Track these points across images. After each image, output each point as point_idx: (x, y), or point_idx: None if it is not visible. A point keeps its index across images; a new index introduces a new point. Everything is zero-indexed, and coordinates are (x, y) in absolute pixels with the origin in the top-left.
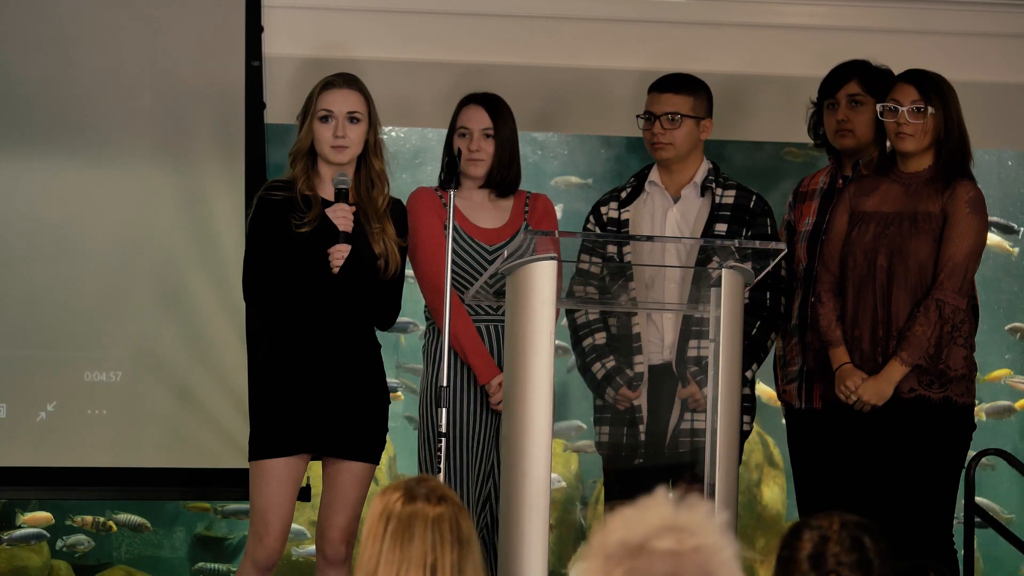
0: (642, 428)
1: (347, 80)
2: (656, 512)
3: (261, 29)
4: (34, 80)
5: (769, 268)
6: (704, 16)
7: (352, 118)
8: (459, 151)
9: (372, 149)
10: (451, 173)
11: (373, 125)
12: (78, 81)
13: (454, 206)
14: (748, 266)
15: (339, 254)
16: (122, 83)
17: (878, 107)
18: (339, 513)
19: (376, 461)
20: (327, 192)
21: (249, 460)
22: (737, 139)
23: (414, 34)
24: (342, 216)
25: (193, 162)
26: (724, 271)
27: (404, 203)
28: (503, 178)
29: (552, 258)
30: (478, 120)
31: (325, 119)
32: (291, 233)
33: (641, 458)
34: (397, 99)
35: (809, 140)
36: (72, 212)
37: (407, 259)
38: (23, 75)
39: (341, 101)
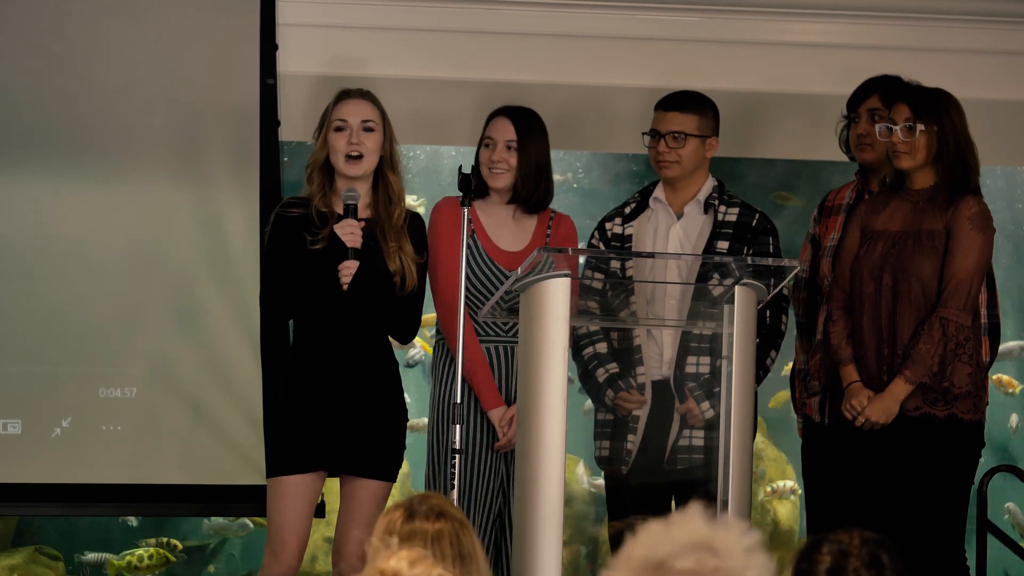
0: (632, 438)
1: (361, 92)
2: (685, 529)
3: (276, 47)
4: (50, 99)
5: (781, 286)
6: (718, 34)
7: (366, 127)
8: (472, 167)
9: (388, 162)
10: (464, 190)
11: (388, 138)
12: (93, 100)
13: (477, 220)
14: (761, 283)
15: (347, 270)
16: (137, 101)
17: (877, 128)
18: (355, 531)
19: (393, 479)
20: (342, 208)
21: (266, 477)
22: (751, 156)
23: (424, 52)
24: (349, 232)
25: (208, 179)
26: (737, 288)
27: (422, 217)
28: (528, 195)
29: (566, 275)
30: (503, 132)
31: (340, 129)
32: (306, 250)
33: (635, 469)
34: (407, 117)
35: (804, 161)
36: (87, 229)
37: (424, 276)
38: (39, 93)
39: (355, 111)
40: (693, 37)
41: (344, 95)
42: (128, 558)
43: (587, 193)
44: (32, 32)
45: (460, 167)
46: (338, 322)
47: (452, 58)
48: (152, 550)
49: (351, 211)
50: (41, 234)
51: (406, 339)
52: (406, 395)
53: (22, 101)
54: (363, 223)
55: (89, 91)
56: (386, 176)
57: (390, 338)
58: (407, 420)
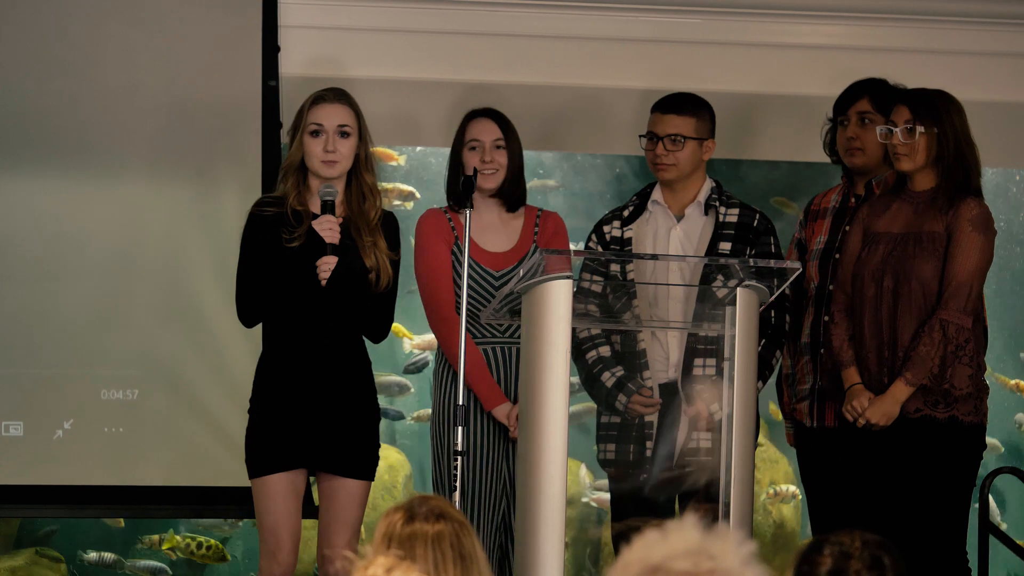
0: (649, 445)
1: (337, 95)
2: (681, 536)
3: (278, 49)
4: (52, 100)
5: (784, 288)
6: (716, 36)
7: (342, 132)
8: (476, 171)
9: (363, 163)
10: (467, 194)
11: (363, 139)
12: (95, 101)
13: (460, 225)
14: (762, 285)
15: (326, 266)
16: (139, 103)
17: (878, 129)
18: (339, 533)
19: (371, 478)
20: (317, 206)
21: (250, 478)
22: (750, 158)
23: (425, 54)
24: (328, 228)
25: (210, 181)
26: (739, 290)
27: (396, 217)
28: (514, 191)
29: (568, 277)
30: (489, 132)
31: (315, 133)
32: (281, 248)
33: (647, 474)
34: (407, 118)
35: (806, 163)
36: (88, 230)
37: (398, 274)
38: (42, 95)
39: (331, 115)
40: (690, 39)
41: (319, 98)
42: (188, 539)
43: (581, 195)
44: (35, 34)
45: (472, 170)
46: (314, 319)
47: (450, 60)
48: (213, 541)
49: (329, 207)
50: (43, 235)
51: (379, 337)
52: (412, 391)
53: (26, 103)
54: (341, 219)
55: (91, 93)
56: (361, 175)
57: (365, 337)
58: (380, 419)
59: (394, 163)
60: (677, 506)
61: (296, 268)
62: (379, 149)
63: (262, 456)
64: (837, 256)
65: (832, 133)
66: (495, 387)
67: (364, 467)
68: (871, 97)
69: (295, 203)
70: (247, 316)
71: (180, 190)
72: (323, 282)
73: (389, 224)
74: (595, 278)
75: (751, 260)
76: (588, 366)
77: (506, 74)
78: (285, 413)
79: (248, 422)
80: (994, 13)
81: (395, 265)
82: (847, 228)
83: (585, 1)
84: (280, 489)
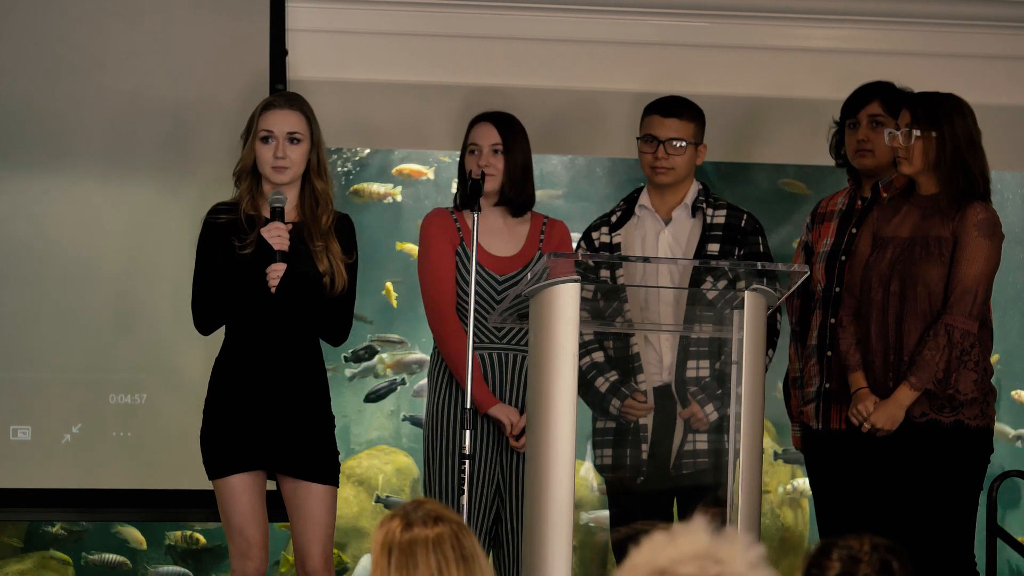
0: (645, 448)
1: (288, 100)
2: (689, 539)
3: (285, 53)
4: (59, 105)
5: (791, 291)
6: (722, 39)
7: (293, 139)
8: (483, 174)
9: (314, 169)
10: (473, 197)
11: (315, 145)
12: (101, 104)
13: (467, 228)
14: (769, 289)
15: (274, 273)
16: (146, 107)
17: (885, 133)
18: (314, 541)
19: (335, 483)
20: (269, 212)
21: (212, 480)
22: (754, 162)
23: (425, 57)
24: (276, 235)
25: (216, 185)
26: (747, 293)
27: (351, 218)
28: (515, 196)
29: (576, 280)
30: (488, 136)
31: (266, 140)
32: (234, 255)
33: (643, 477)
34: (411, 121)
35: (811, 166)
36: (96, 234)
37: (355, 277)
38: (47, 100)
39: (281, 122)
40: (694, 42)
41: (270, 104)
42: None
43: (581, 198)
44: (42, 39)
45: (469, 173)
46: (267, 326)
47: (453, 64)
48: None
49: (278, 214)
50: (49, 239)
51: (338, 340)
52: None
53: (31, 107)
54: (290, 226)
55: (97, 96)
56: (312, 181)
57: (323, 341)
58: (334, 426)
59: (424, 178)
60: (675, 509)
61: (248, 275)
62: (408, 167)
63: (220, 457)
64: (843, 258)
65: (839, 136)
66: (486, 390)
67: (326, 472)
68: (882, 100)
69: (248, 208)
70: (202, 324)
71: (189, 194)
72: (272, 289)
73: (344, 227)
74: (586, 285)
75: (759, 263)
76: (582, 372)
77: (509, 77)
78: (240, 416)
79: (203, 423)
80: (1000, 16)
81: (351, 268)
82: (853, 230)
83: (590, 4)
84: (246, 488)
